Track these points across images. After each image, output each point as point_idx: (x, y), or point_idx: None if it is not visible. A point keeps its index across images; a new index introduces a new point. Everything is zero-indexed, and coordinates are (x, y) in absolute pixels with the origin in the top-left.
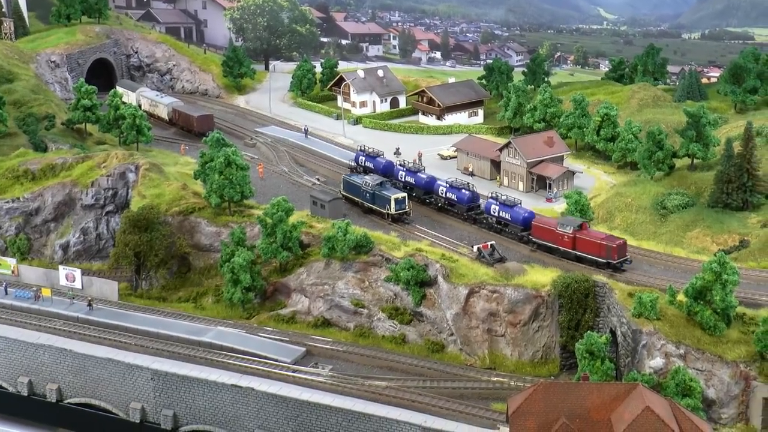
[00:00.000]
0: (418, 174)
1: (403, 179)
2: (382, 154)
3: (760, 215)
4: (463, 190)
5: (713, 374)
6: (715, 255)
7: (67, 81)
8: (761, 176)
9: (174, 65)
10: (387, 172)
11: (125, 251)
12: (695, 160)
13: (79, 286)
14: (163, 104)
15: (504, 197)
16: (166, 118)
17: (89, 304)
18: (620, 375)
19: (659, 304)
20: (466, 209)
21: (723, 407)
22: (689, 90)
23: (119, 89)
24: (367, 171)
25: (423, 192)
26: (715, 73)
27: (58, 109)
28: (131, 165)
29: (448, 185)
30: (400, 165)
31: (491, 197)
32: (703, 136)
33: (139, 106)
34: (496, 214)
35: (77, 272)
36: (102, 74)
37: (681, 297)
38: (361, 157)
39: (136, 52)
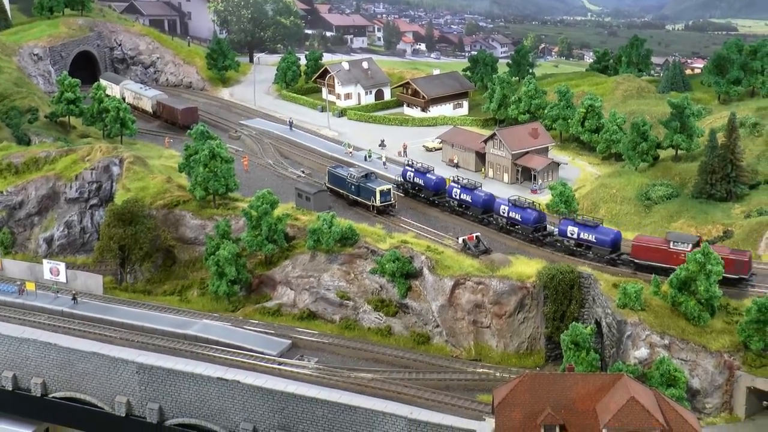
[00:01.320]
0: (476, 191)
1: (457, 197)
2: (432, 170)
3: (743, 206)
4: (528, 209)
5: (698, 364)
6: (699, 245)
7: (51, 74)
8: (745, 167)
9: (158, 58)
10: (439, 189)
11: (110, 245)
12: (679, 151)
13: (64, 280)
14: (147, 97)
15: (581, 218)
16: (151, 111)
17: (74, 298)
18: (605, 366)
19: (644, 294)
20: (532, 230)
21: (707, 397)
22: (673, 81)
23: (103, 82)
24: (415, 188)
25: (481, 211)
26: (698, 64)
27: (41, 102)
28: (115, 158)
29: (511, 204)
30: (454, 182)
31: (566, 219)
32: (687, 127)
33: (123, 99)
34: (575, 236)
35: (61, 266)
36: (85, 67)
37: (665, 287)
38: (408, 173)
39: (120, 45)
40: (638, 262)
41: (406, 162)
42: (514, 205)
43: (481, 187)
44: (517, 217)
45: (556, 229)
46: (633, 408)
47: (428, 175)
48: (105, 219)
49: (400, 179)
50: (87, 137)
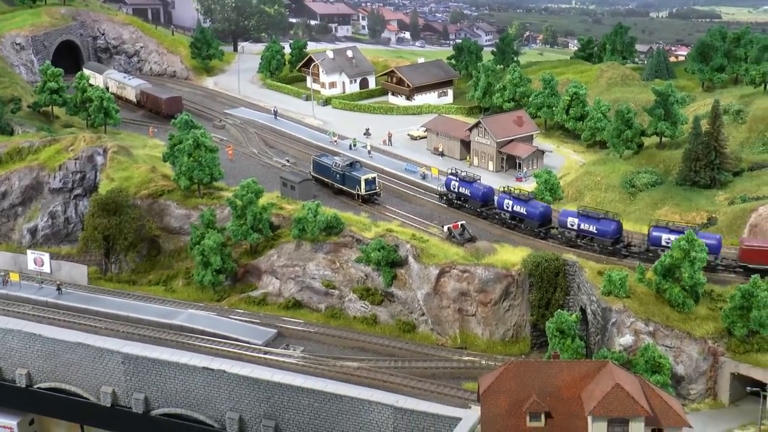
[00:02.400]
0: (532, 203)
1: (510, 209)
2: (479, 179)
3: (727, 192)
4: (602, 220)
5: (682, 351)
6: (683, 232)
7: (33, 63)
8: (728, 154)
9: (141, 47)
10: (487, 200)
11: (94, 235)
12: (663, 139)
13: (48, 271)
14: (130, 86)
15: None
16: (134, 100)
17: (58, 289)
18: (590, 353)
19: (628, 281)
20: (610, 243)
21: (692, 383)
22: (657, 68)
23: (86, 71)
24: (460, 198)
25: (538, 224)
26: (682, 52)
27: (24, 92)
28: (99, 148)
29: (579, 215)
30: (505, 192)
31: (656, 227)
32: (671, 114)
33: (107, 88)
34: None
35: (46, 256)
36: (68, 56)
37: (650, 274)
38: (453, 183)
39: (103, 34)
40: (751, 267)
41: (450, 171)
42: (587, 216)
43: (535, 197)
44: (592, 229)
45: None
46: (618, 395)
47: (475, 185)
48: (89, 209)
49: (443, 189)
50: (70, 127)
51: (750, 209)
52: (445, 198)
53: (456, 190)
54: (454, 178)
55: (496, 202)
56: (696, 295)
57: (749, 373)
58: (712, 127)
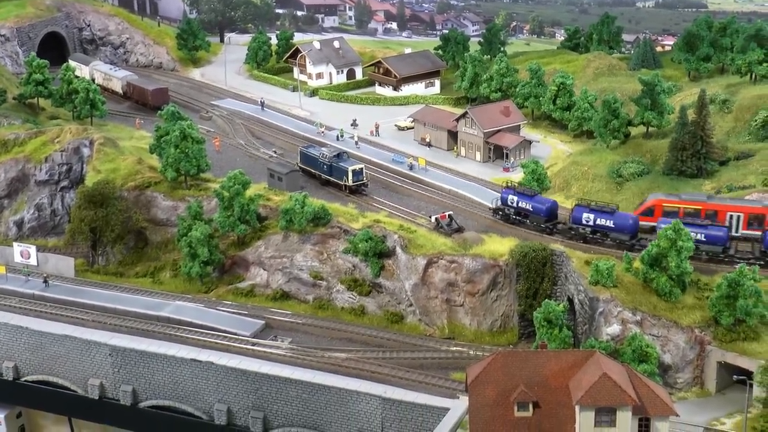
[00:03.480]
0: (618, 215)
1: (590, 223)
2: (539, 193)
3: (713, 182)
4: (711, 228)
5: (669, 340)
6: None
7: (18, 55)
8: (715, 143)
9: (128, 38)
10: (552, 214)
11: (81, 227)
12: (650, 128)
13: (35, 263)
14: (117, 78)
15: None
16: (121, 92)
17: (45, 281)
18: (578, 342)
19: (616, 271)
20: (721, 249)
21: (679, 372)
22: (644, 58)
23: (72, 63)
24: (520, 214)
25: (630, 237)
26: (669, 41)
27: (9, 84)
28: (85, 140)
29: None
30: (583, 205)
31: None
32: (657, 104)
33: (93, 80)
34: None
35: (32, 249)
36: (54, 48)
37: (637, 264)
38: (510, 197)
39: (89, 26)
40: None
41: (505, 184)
42: (702, 224)
43: (617, 208)
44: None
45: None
46: (605, 384)
47: (538, 199)
48: (76, 201)
49: (497, 203)
50: (56, 119)
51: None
52: (501, 214)
53: (515, 204)
54: (511, 191)
55: (573, 217)
56: (683, 285)
57: (735, 362)
58: (699, 117)
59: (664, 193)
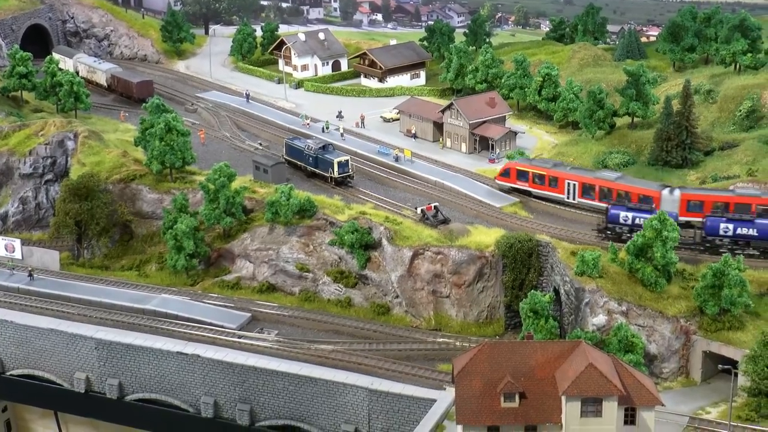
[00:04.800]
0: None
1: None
2: (654, 208)
3: (698, 172)
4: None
5: (654, 330)
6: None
7: (1, 47)
8: (699, 133)
9: (112, 30)
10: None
11: (66, 220)
12: (635, 119)
13: (19, 257)
14: (101, 70)
15: None
16: (105, 84)
17: (30, 275)
18: (564, 333)
19: (601, 262)
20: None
21: (664, 362)
22: (629, 49)
23: (55, 56)
24: (633, 231)
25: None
26: (653, 32)
27: None
28: (70, 133)
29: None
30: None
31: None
32: (642, 94)
33: (77, 72)
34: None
35: (17, 242)
36: (37, 40)
37: (623, 254)
38: (623, 213)
39: (72, 18)
40: None
41: (611, 202)
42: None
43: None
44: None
45: None
46: (591, 374)
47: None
48: (60, 194)
49: (608, 224)
50: (40, 112)
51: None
52: (611, 233)
53: (629, 222)
54: (623, 208)
55: (608, 217)
56: (668, 275)
57: (720, 351)
58: (684, 107)
59: (519, 159)
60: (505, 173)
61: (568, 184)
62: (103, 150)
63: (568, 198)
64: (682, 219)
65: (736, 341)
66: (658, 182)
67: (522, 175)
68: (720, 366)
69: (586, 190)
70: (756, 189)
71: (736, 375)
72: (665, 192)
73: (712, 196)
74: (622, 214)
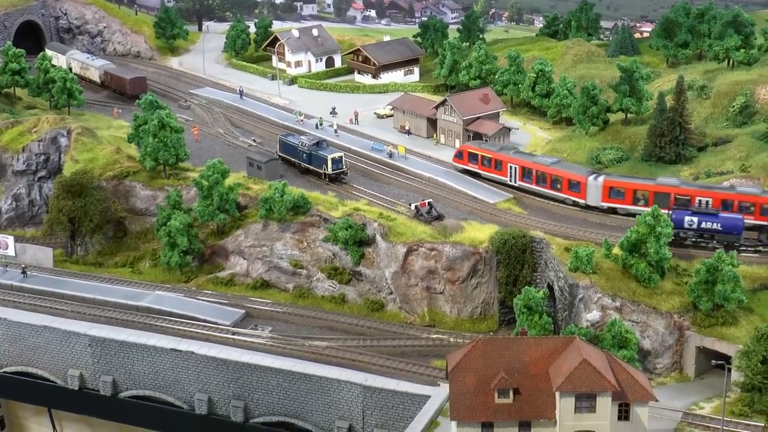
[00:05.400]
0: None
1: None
2: (720, 210)
3: (692, 168)
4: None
5: (648, 325)
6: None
7: None
8: (693, 129)
9: (105, 27)
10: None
11: (59, 217)
12: (629, 115)
13: (13, 254)
14: (94, 67)
15: None
16: (98, 81)
17: (23, 272)
18: (558, 329)
19: (595, 257)
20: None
21: (658, 357)
22: (622, 45)
23: (48, 52)
24: (703, 235)
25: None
26: (647, 28)
27: None
28: (63, 129)
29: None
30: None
31: None
32: (636, 90)
33: (70, 69)
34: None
35: (10, 239)
36: (30, 37)
37: (616, 250)
38: (687, 218)
39: (65, 14)
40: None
41: (675, 207)
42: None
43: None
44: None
45: None
46: (585, 370)
47: (725, 216)
48: (54, 191)
49: (674, 229)
50: (33, 108)
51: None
52: (675, 238)
53: (695, 226)
54: (687, 212)
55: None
56: (662, 270)
57: (714, 347)
58: (677, 103)
59: (472, 142)
60: (458, 155)
61: (510, 167)
62: (96, 147)
63: (510, 181)
64: (604, 204)
65: (730, 337)
66: (587, 168)
67: (473, 157)
68: (713, 361)
69: (525, 173)
70: (677, 180)
71: (729, 370)
72: (590, 178)
73: (632, 184)
74: (687, 218)
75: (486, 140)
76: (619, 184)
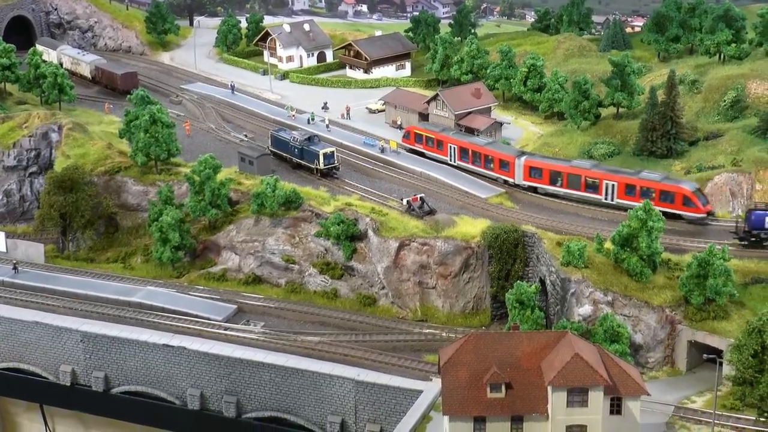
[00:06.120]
0: None
1: None
2: None
3: (683, 162)
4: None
5: (640, 320)
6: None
7: None
8: (684, 123)
9: (96, 22)
10: None
11: (50, 213)
12: (620, 109)
13: (4, 249)
14: (85, 62)
15: None
16: (89, 76)
17: (14, 267)
18: (550, 323)
19: (587, 252)
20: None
21: (650, 351)
22: (614, 39)
23: (39, 47)
24: None
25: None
26: (638, 23)
27: None
28: (54, 125)
29: None
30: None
31: None
32: (627, 84)
33: (61, 64)
34: None
35: (1, 235)
36: (21, 32)
37: (608, 245)
38: (767, 219)
39: (56, 9)
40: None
41: (751, 206)
42: None
43: None
44: None
45: None
46: (577, 364)
47: None
48: (45, 187)
49: (751, 229)
50: (24, 104)
51: (706, 178)
52: (754, 240)
53: None
54: (766, 212)
55: (750, 223)
56: (653, 265)
57: (705, 341)
58: (668, 98)
59: (418, 123)
60: (406, 135)
61: (450, 147)
62: (87, 142)
63: (450, 160)
64: (526, 183)
65: (721, 331)
66: (517, 149)
67: (418, 138)
68: (705, 355)
69: (463, 153)
70: (588, 163)
71: (721, 364)
72: (517, 158)
73: (549, 165)
74: (767, 219)
75: (478, 135)
76: (537, 164)
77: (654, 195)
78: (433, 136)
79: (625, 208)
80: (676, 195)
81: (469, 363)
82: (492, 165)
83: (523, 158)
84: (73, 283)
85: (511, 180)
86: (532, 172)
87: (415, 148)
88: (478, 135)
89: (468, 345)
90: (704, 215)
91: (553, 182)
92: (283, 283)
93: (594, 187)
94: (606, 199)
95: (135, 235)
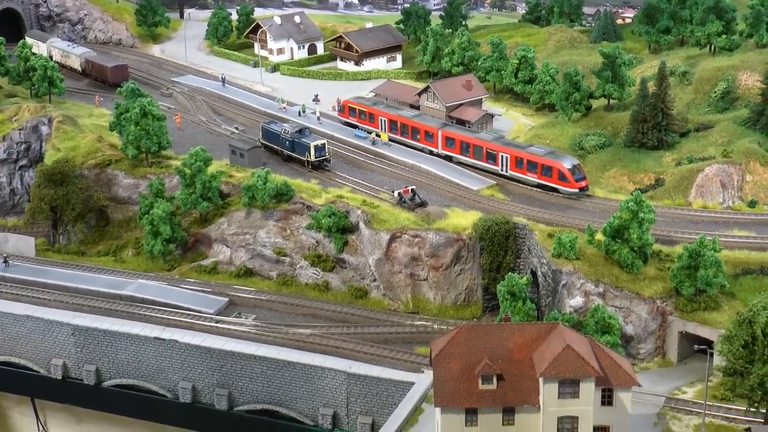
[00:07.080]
0: None
1: None
2: None
3: (674, 153)
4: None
5: (631, 311)
6: (631, 194)
7: None
8: (675, 115)
9: (86, 15)
10: None
11: (41, 206)
12: (611, 101)
13: None
14: (75, 55)
15: None
16: (79, 69)
17: (5, 261)
18: (541, 315)
19: (578, 243)
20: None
21: (641, 343)
22: (605, 31)
23: (29, 40)
24: None
25: None
26: (629, 14)
27: None
28: (44, 118)
29: None
30: None
31: None
32: (618, 76)
33: (51, 57)
34: None
35: None
36: (10, 25)
37: (599, 236)
38: None
39: (45, 2)
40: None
41: None
42: None
43: None
44: None
45: None
46: (568, 356)
47: None
48: (35, 180)
49: None
50: (14, 97)
51: (696, 170)
52: None
53: None
54: None
55: None
56: (644, 256)
57: (696, 332)
58: (659, 89)
59: (352, 97)
60: (341, 109)
61: (381, 120)
62: (78, 135)
63: (380, 130)
64: (443, 152)
65: (712, 321)
66: (440, 120)
67: (352, 111)
68: (696, 346)
69: (393, 125)
70: (489, 136)
71: (711, 355)
72: (439, 130)
73: (459, 136)
74: None
75: (469, 127)
76: (451, 134)
77: (537, 169)
78: (365, 110)
79: (517, 180)
80: (553, 170)
81: (460, 355)
82: (418, 136)
83: (441, 130)
84: (64, 277)
85: (435, 150)
86: (448, 142)
87: (349, 121)
88: (469, 127)
89: (459, 337)
90: (576, 190)
91: (464, 152)
92: (275, 276)
93: (493, 158)
94: (501, 170)
95: (126, 228)
